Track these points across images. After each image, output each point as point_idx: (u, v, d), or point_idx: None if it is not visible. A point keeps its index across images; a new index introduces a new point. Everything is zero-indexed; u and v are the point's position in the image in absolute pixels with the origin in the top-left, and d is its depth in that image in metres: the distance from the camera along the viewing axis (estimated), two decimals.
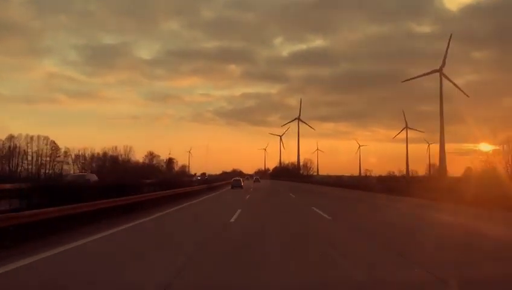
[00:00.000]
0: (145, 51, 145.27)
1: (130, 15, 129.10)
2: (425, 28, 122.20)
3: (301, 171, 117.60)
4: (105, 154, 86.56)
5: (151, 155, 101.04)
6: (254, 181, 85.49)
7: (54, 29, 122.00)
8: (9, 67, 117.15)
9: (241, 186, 47.70)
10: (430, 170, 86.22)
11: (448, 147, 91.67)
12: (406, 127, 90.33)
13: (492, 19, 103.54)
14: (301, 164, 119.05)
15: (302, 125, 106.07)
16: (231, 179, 56.13)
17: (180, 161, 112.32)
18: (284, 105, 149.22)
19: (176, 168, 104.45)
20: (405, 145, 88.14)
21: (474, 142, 68.78)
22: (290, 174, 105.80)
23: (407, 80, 68.20)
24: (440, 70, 61.27)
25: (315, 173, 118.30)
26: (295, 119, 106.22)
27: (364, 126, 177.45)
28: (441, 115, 61.12)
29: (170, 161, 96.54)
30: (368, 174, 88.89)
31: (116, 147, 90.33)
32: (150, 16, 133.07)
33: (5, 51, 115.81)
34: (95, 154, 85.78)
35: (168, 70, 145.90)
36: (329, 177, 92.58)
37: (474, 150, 73.79)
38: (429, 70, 62.65)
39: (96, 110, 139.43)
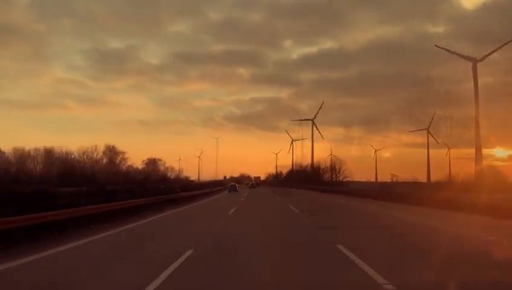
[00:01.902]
0: (153, 55, 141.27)
1: (135, 18, 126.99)
2: (439, 28, 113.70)
3: (323, 175, 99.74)
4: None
5: (150, 161, 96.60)
6: (250, 187, 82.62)
7: (58, 33, 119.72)
8: (16, 73, 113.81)
9: (236, 191, 57.44)
10: (450, 176, 78.35)
11: (461, 152, 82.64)
12: (428, 130, 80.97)
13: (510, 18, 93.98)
14: (326, 165, 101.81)
15: (314, 129, 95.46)
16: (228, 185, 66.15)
17: (189, 165, 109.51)
18: (294, 109, 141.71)
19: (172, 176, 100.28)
20: (421, 150, 78.73)
21: (490, 147, 60.92)
22: (308, 179, 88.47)
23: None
24: (475, 61, 52.42)
25: (346, 179, 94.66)
26: (308, 119, 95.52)
27: (377, 131, 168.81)
28: (477, 115, 52.12)
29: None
30: (394, 180, 78.60)
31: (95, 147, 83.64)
32: (155, 18, 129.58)
33: (12, 56, 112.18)
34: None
35: (177, 74, 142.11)
36: (363, 184, 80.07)
37: (489, 155, 65.15)
38: (461, 58, 53.65)
39: (105, 115, 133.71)
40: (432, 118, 78.60)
